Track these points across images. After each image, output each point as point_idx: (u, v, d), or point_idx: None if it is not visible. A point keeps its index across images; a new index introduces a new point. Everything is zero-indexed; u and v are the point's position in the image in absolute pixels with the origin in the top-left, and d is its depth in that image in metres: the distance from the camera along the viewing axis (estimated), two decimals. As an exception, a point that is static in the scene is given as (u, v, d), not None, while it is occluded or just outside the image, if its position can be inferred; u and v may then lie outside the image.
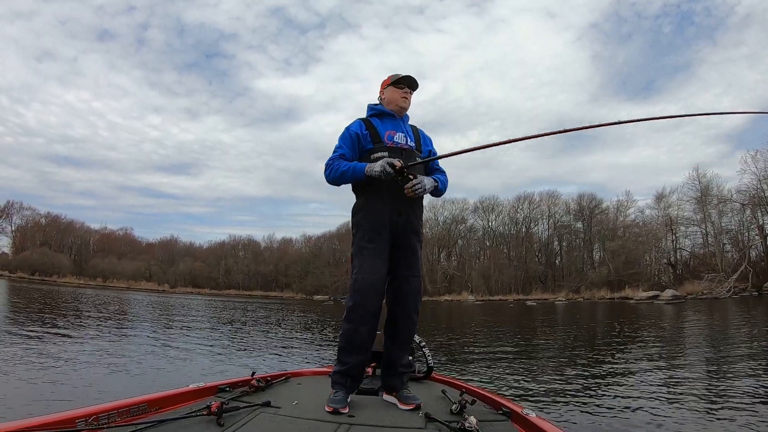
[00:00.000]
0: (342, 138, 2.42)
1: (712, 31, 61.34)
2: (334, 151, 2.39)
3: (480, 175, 73.95)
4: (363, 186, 2.36)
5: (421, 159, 2.45)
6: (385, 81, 2.54)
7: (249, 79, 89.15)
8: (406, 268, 2.35)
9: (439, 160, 2.56)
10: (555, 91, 77.99)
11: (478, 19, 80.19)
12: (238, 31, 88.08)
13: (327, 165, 2.37)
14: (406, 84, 2.48)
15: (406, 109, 2.51)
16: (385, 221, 2.31)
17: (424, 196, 2.42)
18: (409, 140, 2.44)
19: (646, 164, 61.01)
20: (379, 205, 2.32)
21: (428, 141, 2.58)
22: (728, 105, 60.82)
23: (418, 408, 2.09)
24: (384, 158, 2.26)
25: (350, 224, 2.47)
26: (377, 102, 2.57)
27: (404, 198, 2.33)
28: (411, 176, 2.27)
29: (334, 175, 2.34)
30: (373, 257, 2.27)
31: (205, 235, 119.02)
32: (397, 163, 2.24)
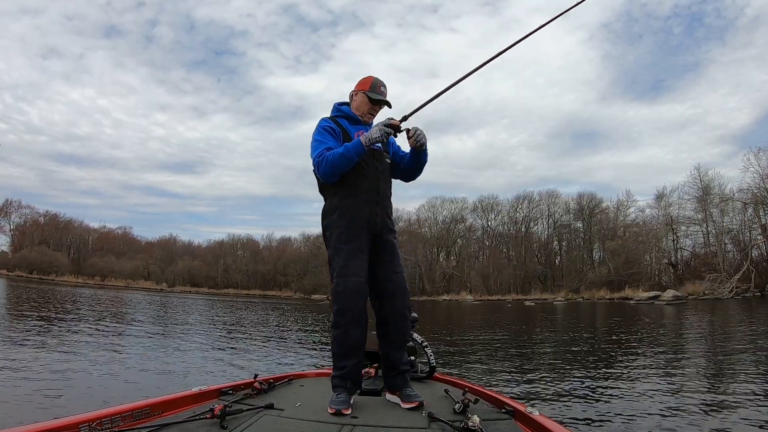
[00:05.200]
0: (320, 133, 2.33)
1: (721, 32, 61.46)
2: (316, 148, 2.28)
3: (486, 175, 74.08)
4: (335, 187, 2.31)
5: (389, 151, 2.47)
6: (362, 83, 2.46)
7: (258, 77, 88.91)
8: (386, 267, 2.32)
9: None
10: (564, 89, 78.00)
11: (491, 19, 79.38)
12: (248, 28, 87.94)
13: (316, 162, 2.25)
14: (381, 106, 2.46)
15: (368, 123, 2.47)
16: (363, 222, 2.27)
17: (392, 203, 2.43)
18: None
19: (651, 164, 61.24)
20: (355, 205, 2.27)
21: (392, 139, 2.49)
22: (735, 105, 61.03)
23: (420, 406, 2.07)
24: (377, 124, 2.24)
25: (321, 227, 2.40)
26: (347, 101, 2.51)
27: (379, 198, 2.31)
28: (406, 129, 2.30)
29: (332, 163, 2.20)
30: (354, 258, 2.23)
31: (208, 234, 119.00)
32: (395, 121, 2.24)
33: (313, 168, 2.31)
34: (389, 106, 2.48)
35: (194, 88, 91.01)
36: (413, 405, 2.09)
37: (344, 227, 2.27)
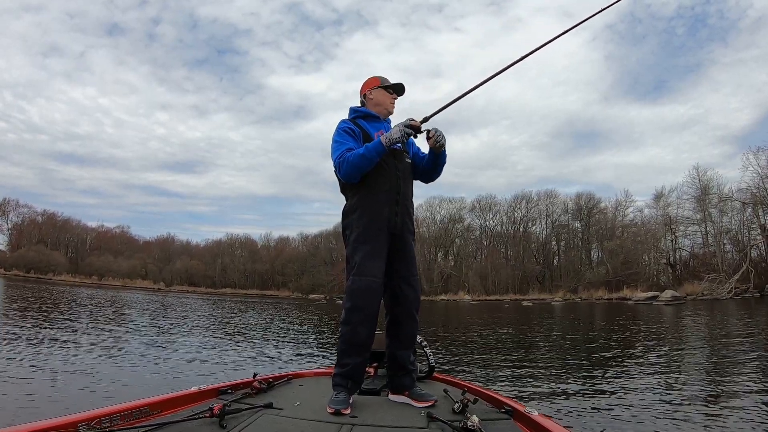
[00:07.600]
0: (340, 134, 2.35)
1: (724, 33, 61.87)
2: (337, 150, 2.31)
3: (487, 175, 74.12)
4: (355, 187, 2.33)
5: (409, 152, 2.47)
6: (370, 82, 2.51)
7: (261, 76, 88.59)
8: (405, 269, 2.34)
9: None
10: (568, 90, 78.02)
11: (496, 19, 79.32)
12: (252, 26, 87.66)
13: (337, 163, 2.28)
14: (396, 91, 2.51)
15: (392, 114, 2.53)
16: (383, 222, 2.28)
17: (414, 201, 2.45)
18: None
19: (652, 164, 61.16)
20: (376, 205, 2.29)
21: (412, 141, 2.55)
22: (736, 105, 61.17)
23: (434, 405, 2.08)
24: (397, 124, 2.26)
25: (341, 226, 2.42)
26: (360, 104, 2.54)
27: (400, 197, 2.32)
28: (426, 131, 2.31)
29: (352, 163, 2.22)
30: (372, 258, 2.24)
31: (208, 234, 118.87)
32: (415, 122, 2.24)
33: (334, 169, 2.33)
34: (404, 90, 2.53)
35: (196, 87, 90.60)
36: (429, 404, 2.11)
37: (363, 227, 2.28)
